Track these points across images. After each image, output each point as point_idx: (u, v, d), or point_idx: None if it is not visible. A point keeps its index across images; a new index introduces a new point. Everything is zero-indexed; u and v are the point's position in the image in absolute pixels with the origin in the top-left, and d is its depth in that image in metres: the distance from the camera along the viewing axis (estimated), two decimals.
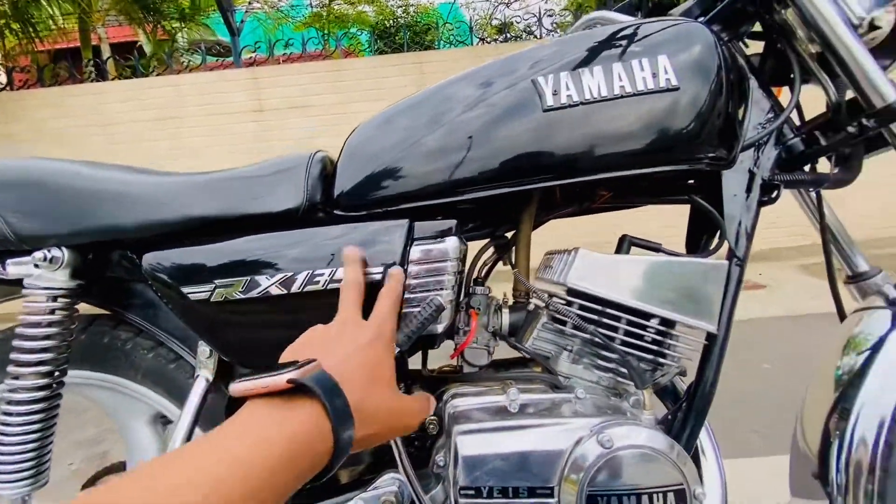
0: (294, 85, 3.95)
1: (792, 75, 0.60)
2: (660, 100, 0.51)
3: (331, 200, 0.56)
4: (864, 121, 0.56)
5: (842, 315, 0.70)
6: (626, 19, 0.79)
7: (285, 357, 0.39)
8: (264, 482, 0.28)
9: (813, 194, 0.71)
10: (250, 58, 4.61)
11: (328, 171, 0.59)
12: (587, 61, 0.52)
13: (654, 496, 0.44)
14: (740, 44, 0.66)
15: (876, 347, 0.62)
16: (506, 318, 0.61)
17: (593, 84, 0.51)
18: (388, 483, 0.52)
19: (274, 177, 0.56)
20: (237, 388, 0.33)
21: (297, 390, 0.32)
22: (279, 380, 0.31)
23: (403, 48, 4.52)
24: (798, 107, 0.64)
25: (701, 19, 0.62)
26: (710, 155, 0.54)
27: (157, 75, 4.27)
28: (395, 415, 0.38)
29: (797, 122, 0.65)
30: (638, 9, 0.83)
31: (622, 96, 0.51)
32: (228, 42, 4.77)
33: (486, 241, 0.66)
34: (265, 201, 0.54)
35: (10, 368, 0.54)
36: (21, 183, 0.55)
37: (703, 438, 0.60)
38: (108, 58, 4.55)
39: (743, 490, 1.19)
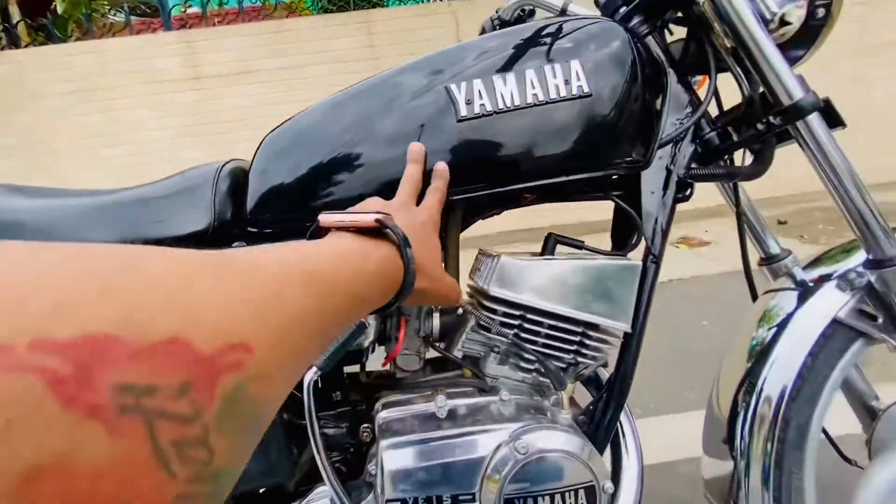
0: (232, 49, 3.66)
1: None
2: (573, 108, 0.50)
3: (243, 217, 0.54)
4: (771, 118, 0.57)
5: (754, 294, 0.75)
6: (553, 2, 0.77)
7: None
8: (351, 287, 0.30)
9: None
10: (181, 16, 4.23)
11: (239, 184, 0.56)
12: (502, 67, 0.51)
13: (567, 494, 0.47)
14: (665, 32, 0.65)
15: (783, 325, 0.67)
16: (436, 322, 0.61)
17: (506, 92, 0.50)
18: (321, 495, 0.54)
19: (178, 196, 0.53)
20: (326, 218, 0.36)
21: (377, 233, 0.35)
22: (367, 218, 0.35)
23: (350, 5, 4.25)
24: (717, 98, 0.65)
25: (624, 9, 0.61)
26: (627, 159, 0.54)
27: (77, 40, 3.86)
28: (441, 284, 0.43)
29: (715, 113, 0.67)
30: None
31: (535, 105, 0.50)
32: (155, 1, 4.34)
33: None
34: (170, 224, 0.51)
35: None
36: None
37: (625, 423, 0.64)
38: (19, 21, 4.06)
39: (677, 443, 1.29)
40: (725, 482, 0.69)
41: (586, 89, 0.50)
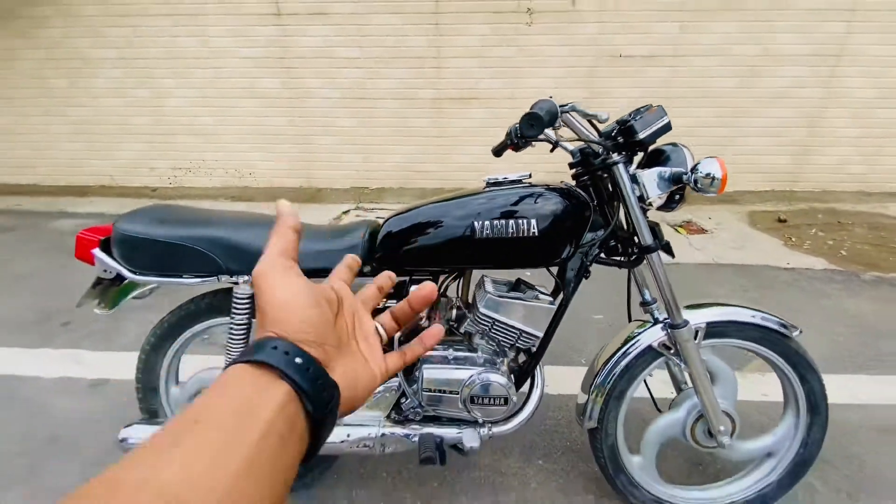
0: None
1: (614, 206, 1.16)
2: (528, 240, 1.09)
3: (371, 265, 1.18)
4: (635, 248, 1.15)
5: (630, 318, 1.36)
6: (588, 132, 1.28)
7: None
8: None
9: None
10: None
11: (374, 235, 1.18)
12: (502, 215, 1.09)
13: (496, 399, 1.16)
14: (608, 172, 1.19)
15: (635, 342, 1.29)
16: (454, 313, 1.27)
17: (499, 229, 1.09)
18: (393, 381, 1.24)
19: (346, 252, 1.17)
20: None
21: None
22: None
23: None
24: (615, 226, 1.20)
25: (583, 172, 1.16)
26: (555, 261, 1.14)
27: None
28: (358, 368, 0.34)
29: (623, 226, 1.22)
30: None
31: (510, 237, 1.09)
32: None
33: (449, 275, 1.27)
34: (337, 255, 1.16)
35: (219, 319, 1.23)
36: (227, 244, 1.15)
37: (538, 374, 1.30)
38: None
39: None
40: (582, 407, 1.36)
41: (535, 233, 1.08)
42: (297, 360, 0.28)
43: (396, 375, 1.25)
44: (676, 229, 3.75)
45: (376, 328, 0.37)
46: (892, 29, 3.89)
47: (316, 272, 1.18)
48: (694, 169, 1.02)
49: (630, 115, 1.12)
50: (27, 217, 4.03)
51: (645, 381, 1.35)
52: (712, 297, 2.35)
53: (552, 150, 1.32)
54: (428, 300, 0.38)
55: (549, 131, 1.17)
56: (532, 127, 0.99)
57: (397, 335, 1.00)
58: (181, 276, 1.19)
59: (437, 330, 0.40)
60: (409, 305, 0.39)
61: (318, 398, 0.28)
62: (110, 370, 2.00)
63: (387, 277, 0.41)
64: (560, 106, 1.05)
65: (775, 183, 4.47)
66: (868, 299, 2.68)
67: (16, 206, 4.31)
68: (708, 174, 1.00)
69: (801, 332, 1.24)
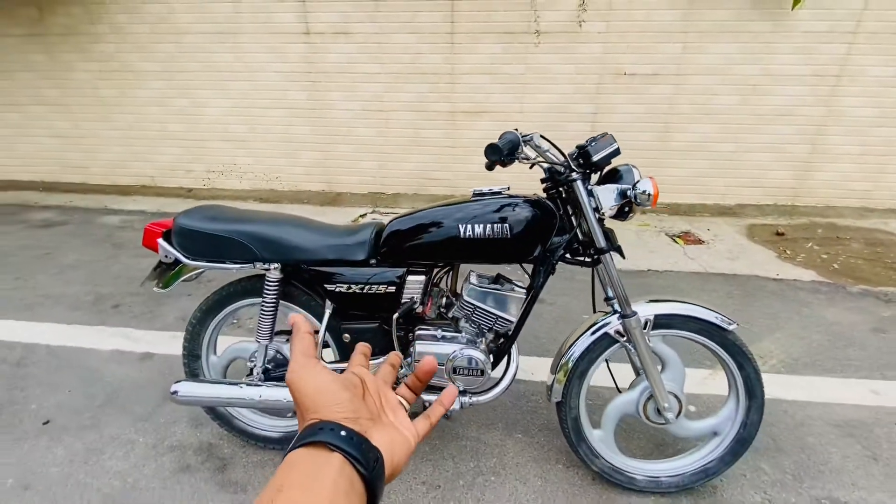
0: (336, 10, 4.31)
1: (576, 216, 1.41)
2: (502, 240, 1.35)
3: (377, 258, 1.45)
4: (591, 251, 1.39)
5: (594, 309, 1.59)
6: (559, 158, 1.55)
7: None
8: None
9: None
10: None
11: (379, 235, 1.46)
12: (483, 220, 1.35)
13: (475, 370, 1.41)
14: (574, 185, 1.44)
15: (599, 328, 1.52)
16: (444, 300, 1.53)
17: (480, 231, 1.35)
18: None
19: (356, 246, 1.44)
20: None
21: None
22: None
23: None
24: (577, 230, 1.45)
25: (551, 187, 1.42)
26: (527, 258, 1.39)
27: None
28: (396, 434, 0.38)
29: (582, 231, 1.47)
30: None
31: (489, 238, 1.35)
32: None
33: (441, 268, 1.54)
34: (356, 254, 1.43)
35: (250, 300, 1.51)
36: (262, 238, 1.44)
37: (513, 352, 1.55)
38: None
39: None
40: (550, 385, 1.60)
41: (508, 235, 1.34)
42: (342, 433, 0.33)
43: (407, 356, 1.51)
44: (674, 239, 3.92)
45: (399, 401, 0.42)
46: (892, 51, 4.01)
47: (331, 262, 1.46)
48: (634, 186, 1.27)
49: (587, 141, 1.36)
50: (78, 213, 4.46)
51: (608, 365, 1.59)
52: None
53: (531, 168, 1.59)
54: (431, 372, 0.44)
55: (529, 152, 1.44)
56: (493, 154, 1.25)
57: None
58: (225, 262, 1.48)
59: (452, 391, 0.46)
60: (416, 378, 0.44)
61: (366, 460, 0.32)
62: (155, 346, 2.33)
63: (395, 356, 0.47)
64: (523, 136, 1.31)
65: (777, 197, 4.59)
66: (848, 310, 2.82)
67: (68, 202, 4.76)
68: (644, 191, 1.24)
69: (738, 325, 1.45)
